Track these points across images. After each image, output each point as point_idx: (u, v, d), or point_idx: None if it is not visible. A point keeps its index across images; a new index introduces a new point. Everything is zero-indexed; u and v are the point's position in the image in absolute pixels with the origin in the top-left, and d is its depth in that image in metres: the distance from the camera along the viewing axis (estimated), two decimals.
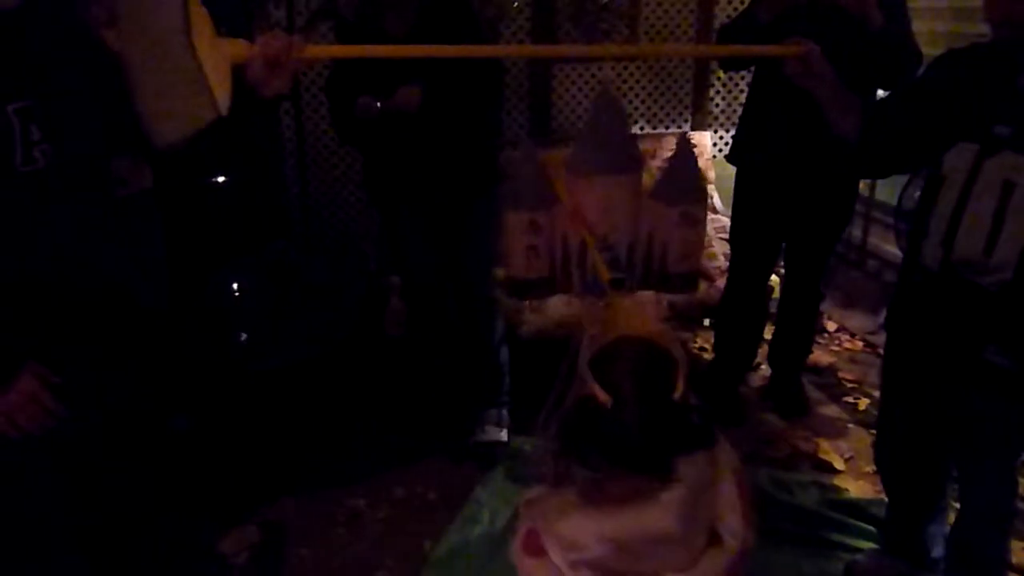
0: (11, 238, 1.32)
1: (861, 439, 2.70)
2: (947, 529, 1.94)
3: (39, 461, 1.41)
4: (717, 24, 3.66)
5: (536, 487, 1.23)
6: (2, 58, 1.28)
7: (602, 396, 1.07)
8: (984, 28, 1.58)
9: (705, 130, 3.86)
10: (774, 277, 2.97)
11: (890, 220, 3.33)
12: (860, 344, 3.38)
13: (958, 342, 1.60)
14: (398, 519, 2.36)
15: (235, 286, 3.05)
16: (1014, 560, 2.01)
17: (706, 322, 3.41)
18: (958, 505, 1.86)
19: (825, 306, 3.26)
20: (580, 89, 3.76)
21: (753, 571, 2.14)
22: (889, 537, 2.08)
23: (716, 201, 3.72)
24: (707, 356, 3.16)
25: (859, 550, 2.15)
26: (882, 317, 1.90)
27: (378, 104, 2.18)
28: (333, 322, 3.17)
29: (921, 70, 2.08)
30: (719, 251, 3.39)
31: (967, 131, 1.53)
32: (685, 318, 3.40)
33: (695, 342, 3.38)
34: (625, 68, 3.76)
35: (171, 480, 1.86)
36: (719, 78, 3.85)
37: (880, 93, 2.39)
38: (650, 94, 3.83)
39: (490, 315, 2.59)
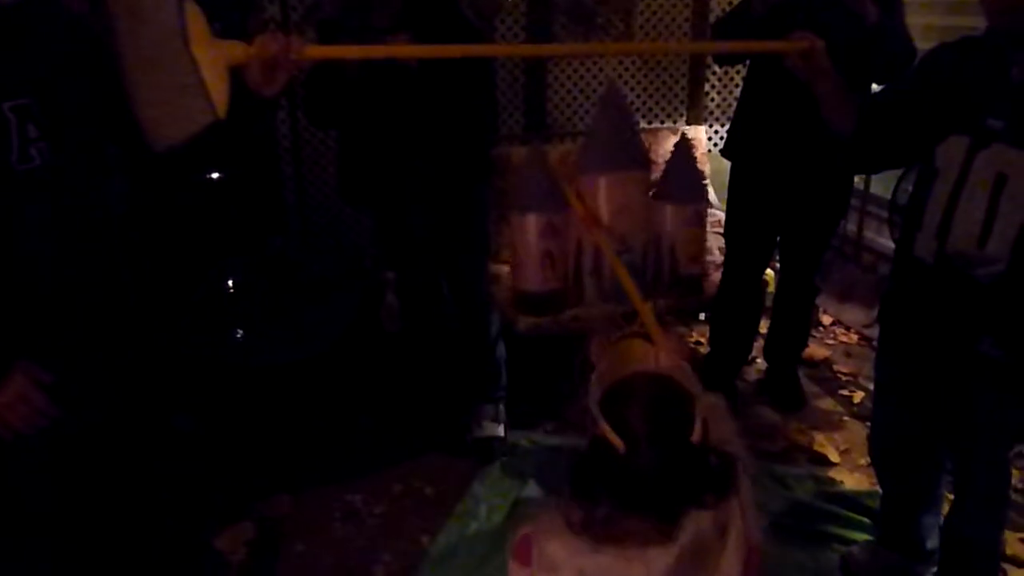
0: (7, 236, 1.31)
1: (856, 432, 2.71)
2: (941, 520, 1.95)
3: (32, 461, 1.41)
4: (712, 18, 3.66)
5: (550, 496, 1.17)
6: None
7: (616, 442, 1.00)
8: (976, 22, 1.58)
9: (700, 125, 3.85)
10: (769, 271, 2.97)
11: (885, 214, 3.34)
12: (855, 337, 3.39)
13: (952, 334, 1.61)
14: (395, 515, 2.36)
15: (231, 283, 3.05)
16: (1007, 551, 2.02)
17: (701, 316, 3.41)
18: (952, 497, 1.87)
19: (820, 300, 3.26)
20: (576, 84, 3.75)
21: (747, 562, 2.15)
22: (884, 529, 2.09)
23: (711, 195, 3.72)
24: (703, 350, 3.17)
25: (854, 542, 2.17)
26: (877, 310, 1.91)
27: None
28: (329, 319, 3.17)
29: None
30: (714, 245, 3.39)
31: (959, 124, 1.53)
32: (681, 312, 3.40)
33: (691, 336, 3.38)
34: (620, 63, 3.75)
35: (172, 478, 1.87)
36: (714, 73, 3.85)
37: (874, 87, 2.39)
38: (645, 89, 3.82)
39: (486, 310, 2.59)
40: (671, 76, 3.83)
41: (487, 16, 3.48)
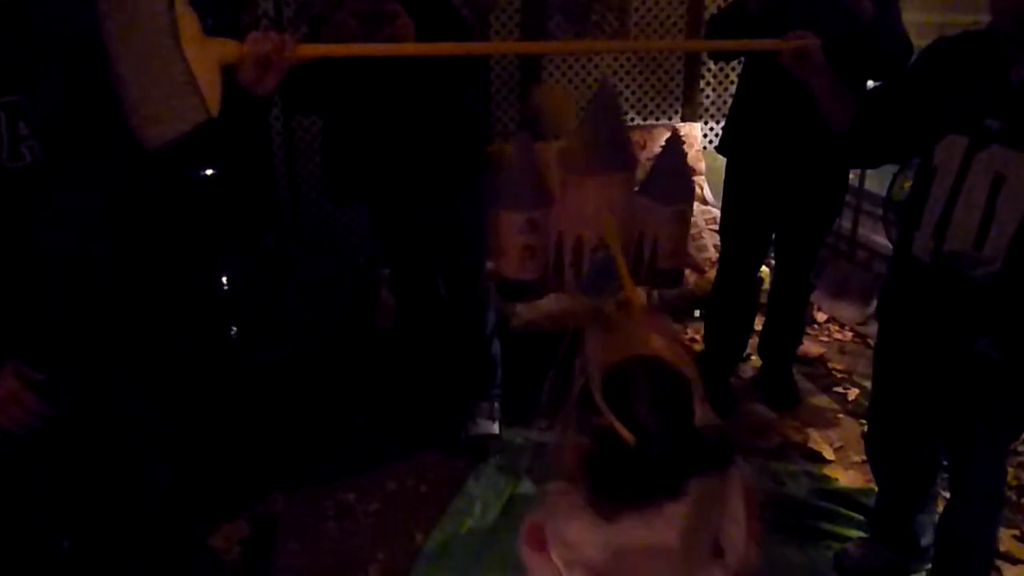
0: None
1: (851, 429, 2.72)
2: (936, 518, 1.95)
3: (24, 460, 1.40)
4: (707, 16, 3.65)
5: (554, 482, 1.19)
6: None
7: (627, 435, 1.02)
8: (973, 19, 1.58)
9: (695, 121, 3.85)
10: (764, 268, 2.97)
11: (879, 211, 3.34)
12: (850, 335, 3.39)
13: (949, 334, 1.61)
14: (390, 512, 2.35)
15: (225, 281, 3.04)
16: (1001, 548, 2.03)
17: (696, 313, 3.41)
18: (947, 494, 1.87)
19: (814, 297, 3.27)
20: (571, 82, 3.74)
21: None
22: (878, 526, 2.09)
23: (706, 192, 3.72)
24: (697, 347, 3.17)
25: (848, 539, 2.17)
26: (872, 308, 1.91)
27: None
28: (323, 316, 3.16)
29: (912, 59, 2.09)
30: (709, 242, 3.39)
31: (957, 123, 1.53)
32: (675, 309, 3.40)
33: (685, 333, 3.38)
34: (615, 59, 3.75)
35: (165, 475, 1.85)
36: (709, 70, 3.85)
37: (869, 84, 2.39)
38: (640, 86, 3.82)
39: (481, 308, 2.59)
40: (666, 73, 3.83)
41: (482, 12, 3.48)
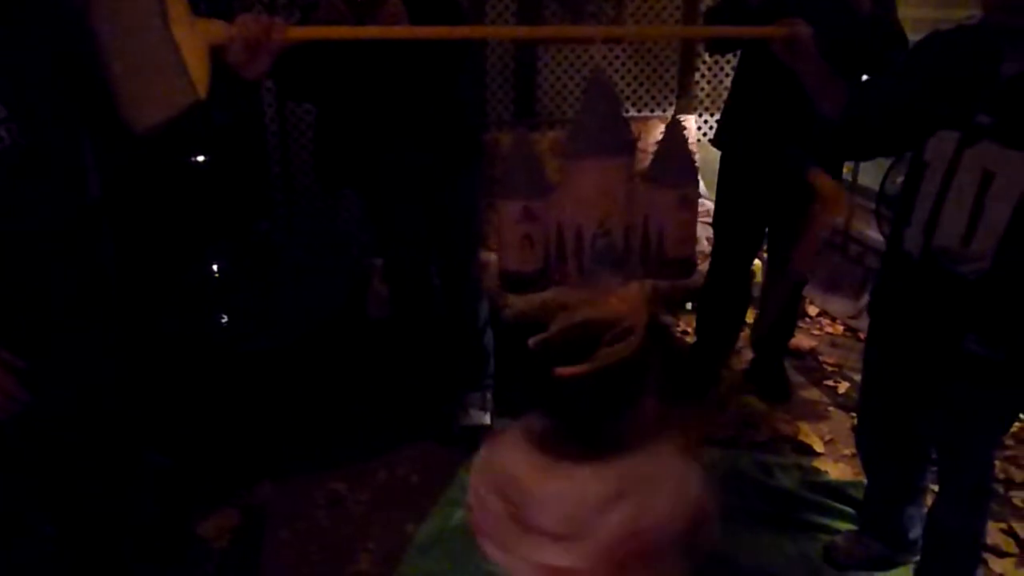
0: None
1: (841, 422, 2.73)
2: (924, 511, 1.96)
3: (8, 446, 1.39)
4: (703, 7, 3.64)
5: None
6: None
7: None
8: (969, 13, 1.57)
9: (690, 114, 3.85)
10: (756, 262, 2.97)
11: (872, 205, 3.35)
12: (841, 328, 3.41)
13: (937, 330, 1.61)
14: (381, 502, 2.35)
15: (216, 268, 3.02)
16: (989, 541, 2.05)
17: (688, 306, 3.41)
18: (935, 487, 1.88)
19: (806, 290, 3.28)
20: (566, 71, 3.73)
21: (733, 552, 2.17)
22: (867, 518, 2.10)
23: (700, 186, 3.72)
24: (690, 340, 3.17)
25: (838, 531, 2.18)
26: (863, 301, 1.91)
27: None
28: (316, 305, 3.15)
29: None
30: (702, 235, 3.39)
31: (949, 118, 1.53)
32: (668, 302, 3.41)
33: (678, 326, 3.39)
34: (611, 51, 3.74)
35: (153, 465, 1.85)
36: (704, 62, 3.84)
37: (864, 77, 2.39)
38: (635, 77, 3.81)
39: (474, 297, 2.58)
40: (661, 65, 3.82)
41: (478, 1, 3.46)
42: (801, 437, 2.64)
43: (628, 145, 1.44)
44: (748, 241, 2.71)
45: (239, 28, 1.24)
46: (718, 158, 2.70)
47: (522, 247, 1.44)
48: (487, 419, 2.63)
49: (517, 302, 3.01)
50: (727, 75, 3.79)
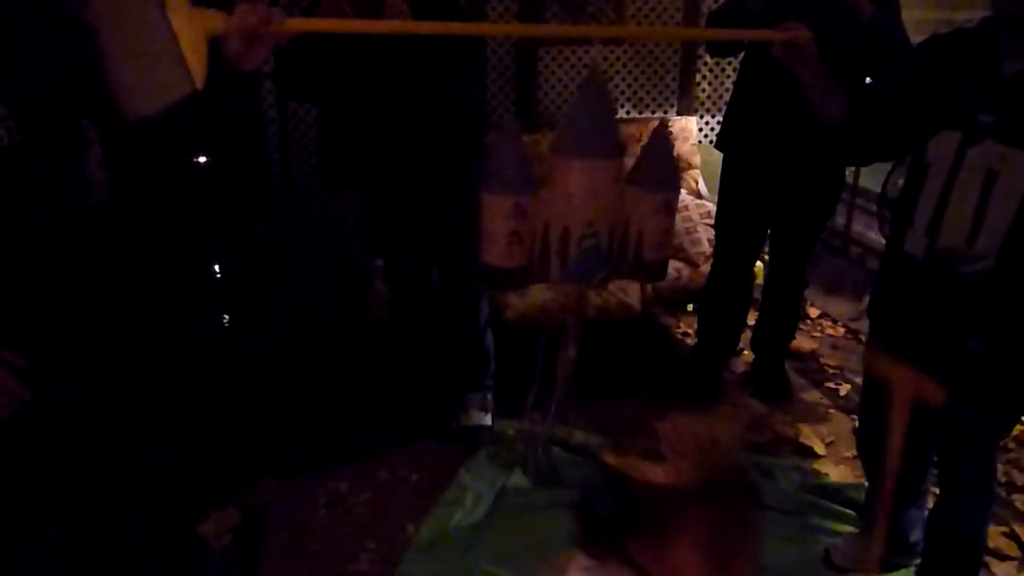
0: None
1: (842, 424, 2.73)
2: (925, 514, 1.96)
3: (8, 444, 1.38)
4: (704, 8, 3.65)
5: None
6: None
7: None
8: (970, 17, 1.57)
9: (691, 115, 3.85)
10: (758, 263, 2.97)
11: (873, 207, 3.35)
12: (842, 330, 3.41)
13: (940, 331, 1.61)
14: (381, 502, 2.35)
15: (217, 268, 3.02)
16: (990, 544, 2.04)
17: (689, 307, 3.42)
18: (937, 490, 1.88)
19: (807, 293, 3.27)
20: (566, 72, 3.73)
21: None
22: (868, 521, 2.10)
23: (701, 186, 3.72)
24: (690, 341, 3.17)
25: (838, 534, 2.18)
26: (864, 304, 1.91)
27: None
28: (316, 305, 3.15)
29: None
30: (704, 237, 3.40)
31: (951, 119, 1.53)
32: (669, 303, 3.41)
33: (679, 327, 3.39)
34: (611, 52, 3.74)
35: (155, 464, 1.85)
36: (705, 63, 3.84)
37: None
38: (636, 78, 3.81)
39: (475, 298, 2.58)
40: (662, 66, 3.83)
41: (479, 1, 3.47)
42: (802, 439, 2.63)
43: (619, 149, 1.45)
44: (750, 243, 2.71)
45: (237, 19, 1.24)
46: (719, 159, 2.70)
47: (509, 243, 1.44)
48: (487, 420, 2.62)
49: (518, 303, 3.01)
50: (728, 77, 3.80)
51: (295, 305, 3.09)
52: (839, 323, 3.45)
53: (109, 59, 1.12)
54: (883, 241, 3.01)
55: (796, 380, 2.99)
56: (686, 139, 3.73)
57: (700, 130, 3.88)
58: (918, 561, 1.97)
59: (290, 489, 2.39)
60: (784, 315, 2.87)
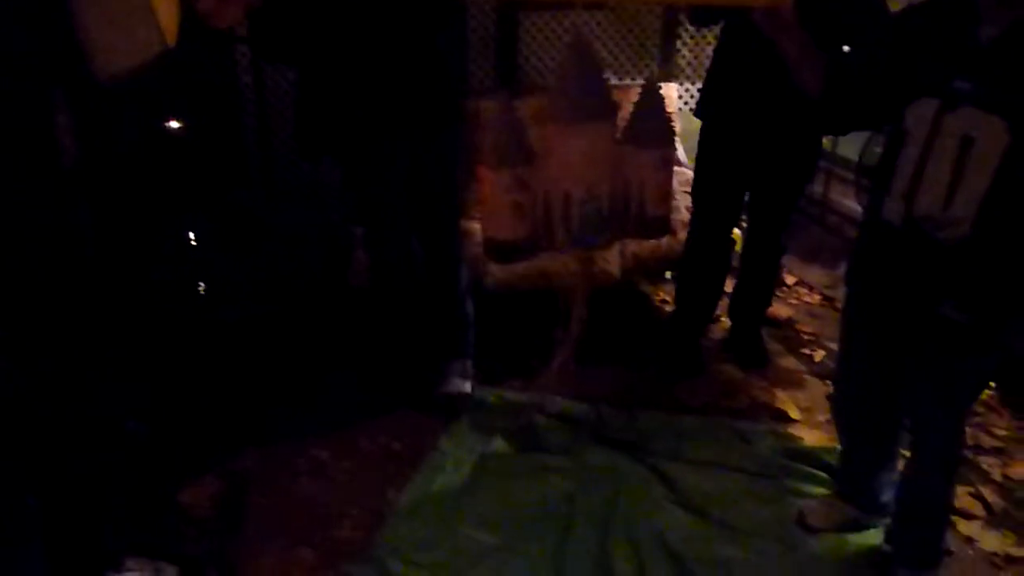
0: None
1: (817, 390, 2.77)
2: (896, 476, 2.01)
3: None
4: None
5: None
6: None
7: None
8: None
9: (672, 82, 3.83)
10: (736, 231, 2.99)
11: (851, 175, 3.37)
12: (818, 298, 3.44)
13: (915, 297, 1.64)
14: (362, 469, 2.37)
15: (193, 236, 2.99)
16: (957, 504, 2.10)
17: (668, 275, 3.43)
18: (907, 453, 1.92)
19: (784, 260, 3.30)
20: (547, 38, 3.69)
21: (709, 515, 2.21)
22: (841, 483, 2.15)
23: (680, 154, 3.71)
24: (668, 308, 3.19)
25: (812, 496, 2.23)
26: (841, 271, 1.93)
27: None
28: (295, 273, 3.13)
29: None
30: (683, 204, 3.40)
31: (928, 86, 1.54)
32: (647, 271, 3.42)
33: (657, 295, 3.41)
34: (592, 17, 3.70)
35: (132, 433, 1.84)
36: (687, 30, 3.81)
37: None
38: (617, 44, 3.78)
39: (454, 264, 2.58)
40: (643, 32, 3.79)
41: None
42: (778, 404, 2.68)
43: (611, 109, 1.44)
44: (728, 210, 2.72)
45: None
46: (698, 128, 2.69)
47: (512, 215, 1.42)
48: (468, 387, 2.64)
49: (498, 271, 3.01)
50: (709, 43, 3.77)
51: (274, 273, 3.07)
52: (815, 290, 3.49)
53: (79, 17, 1.10)
54: (860, 209, 3.05)
55: (773, 346, 3.03)
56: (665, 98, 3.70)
57: (680, 97, 3.87)
58: (888, 521, 2.02)
59: (271, 457, 2.39)
60: (761, 281, 2.89)
